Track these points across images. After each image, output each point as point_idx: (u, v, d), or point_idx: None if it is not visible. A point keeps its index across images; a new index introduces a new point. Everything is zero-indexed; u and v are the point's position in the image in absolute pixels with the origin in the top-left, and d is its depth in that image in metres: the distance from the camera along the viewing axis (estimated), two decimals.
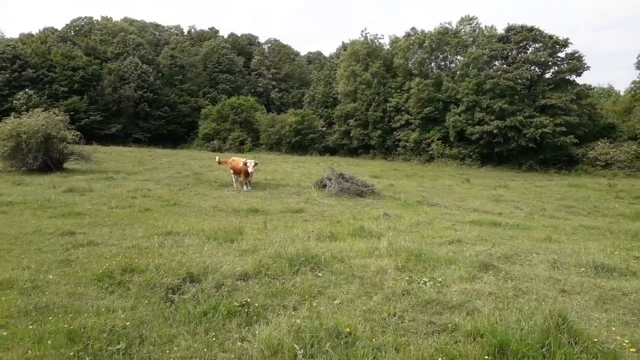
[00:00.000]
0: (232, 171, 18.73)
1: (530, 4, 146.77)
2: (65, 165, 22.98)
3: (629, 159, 34.08)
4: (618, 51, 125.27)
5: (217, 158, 22.33)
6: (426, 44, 45.65)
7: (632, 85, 40.59)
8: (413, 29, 48.43)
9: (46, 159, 21.38)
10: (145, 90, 58.08)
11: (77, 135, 23.32)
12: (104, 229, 8.95)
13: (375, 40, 50.94)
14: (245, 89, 69.36)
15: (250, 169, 17.55)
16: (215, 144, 53.82)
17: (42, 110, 23.25)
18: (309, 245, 7.12)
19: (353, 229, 9.25)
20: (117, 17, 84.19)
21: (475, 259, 6.41)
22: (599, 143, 36.37)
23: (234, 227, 9.15)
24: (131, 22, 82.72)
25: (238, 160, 18.69)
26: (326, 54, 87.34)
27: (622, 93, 55.45)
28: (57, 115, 22.83)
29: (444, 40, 44.82)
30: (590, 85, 42.28)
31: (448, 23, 46.57)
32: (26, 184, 17.56)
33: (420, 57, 46.13)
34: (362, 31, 51.72)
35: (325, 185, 17.53)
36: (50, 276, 5.47)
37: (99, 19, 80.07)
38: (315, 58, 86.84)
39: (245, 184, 17.89)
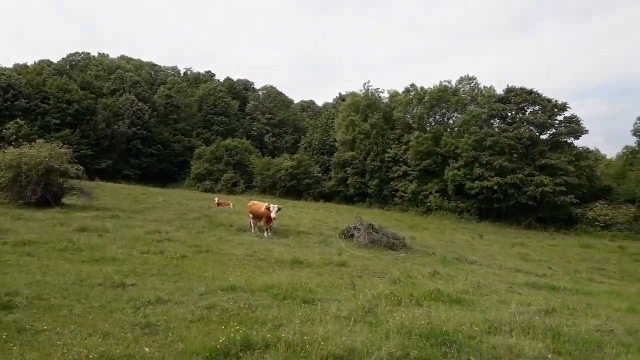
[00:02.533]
0: (251, 215, 17.70)
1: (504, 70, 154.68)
2: (63, 200, 21.51)
3: (628, 220, 34.48)
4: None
5: (216, 199, 21.12)
6: (425, 99, 46.56)
7: (625, 151, 41.82)
8: (412, 85, 49.61)
9: (45, 192, 19.98)
10: (139, 127, 57.15)
11: (81, 169, 22.08)
12: (152, 279, 7.83)
13: (376, 93, 51.90)
14: (239, 131, 69.14)
15: (273, 214, 16.55)
16: (207, 185, 52.67)
17: (45, 142, 22.06)
18: (422, 314, 6.16)
19: (429, 291, 8.38)
20: (113, 54, 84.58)
21: (628, 340, 5.58)
22: (598, 204, 36.77)
23: (299, 283, 8.14)
24: (128, 60, 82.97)
25: (259, 204, 17.70)
26: (318, 103, 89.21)
27: (608, 157, 57.42)
28: (60, 148, 21.64)
29: (444, 97, 45.78)
30: (588, 148, 43.46)
31: (447, 81, 47.94)
32: (26, 218, 16.11)
33: (419, 112, 46.95)
34: (365, 84, 52.50)
35: (352, 235, 16.64)
36: (146, 349, 4.36)
37: (96, 55, 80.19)
38: (308, 106, 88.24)
39: (266, 229, 16.85)
